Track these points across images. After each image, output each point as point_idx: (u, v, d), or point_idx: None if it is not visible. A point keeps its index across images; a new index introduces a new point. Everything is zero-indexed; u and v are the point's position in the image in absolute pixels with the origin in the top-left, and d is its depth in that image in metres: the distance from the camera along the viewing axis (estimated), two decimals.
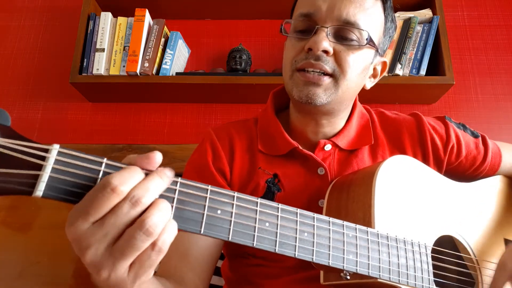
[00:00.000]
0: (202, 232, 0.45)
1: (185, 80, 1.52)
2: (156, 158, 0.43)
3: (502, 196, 0.87)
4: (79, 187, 0.40)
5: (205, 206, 0.45)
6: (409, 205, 0.69)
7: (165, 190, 0.43)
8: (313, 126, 0.82)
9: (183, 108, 1.68)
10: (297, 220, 0.52)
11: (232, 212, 0.47)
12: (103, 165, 0.41)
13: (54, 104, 1.68)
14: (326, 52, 0.72)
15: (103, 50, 1.56)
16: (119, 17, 1.60)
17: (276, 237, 0.50)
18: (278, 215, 0.51)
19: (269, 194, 0.79)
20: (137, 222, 0.40)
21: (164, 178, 0.42)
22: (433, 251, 0.69)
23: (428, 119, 0.87)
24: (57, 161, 0.39)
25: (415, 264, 0.63)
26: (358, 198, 0.68)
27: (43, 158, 0.39)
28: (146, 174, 0.42)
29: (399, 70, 1.51)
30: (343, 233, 0.57)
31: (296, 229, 0.52)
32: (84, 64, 1.56)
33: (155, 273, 0.62)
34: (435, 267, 0.67)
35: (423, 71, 1.51)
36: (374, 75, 0.83)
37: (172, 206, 0.43)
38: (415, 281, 0.62)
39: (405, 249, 0.63)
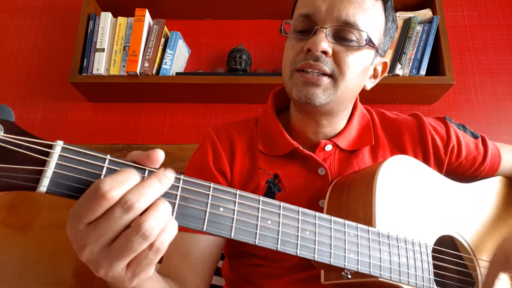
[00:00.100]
0: (204, 229, 0.45)
1: (185, 80, 1.52)
2: (158, 156, 0.43)
3: (502, 196, 0.87)
4: (82, 183, 0.40)
5: (207, 203, 0.45)
6: (409, 205, 0.69)
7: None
8: (314, 126, 0.82)
9: (183, 108, 1.68)
10: (298, 219, 0.52)
11: (234, 210, 0.47)
12: (107, 161, 0.41)
13: (54, 104, 1.68)
14: (325, 53, 0.72)
15: (103, 50, 1.56)
16: (119, 17, 1.60)
17: (278, 235, 0.50)
18: (280, 213, 0.51)
19: (269, 194, 0.79)
20: (134, 225, 0.39)
21: (164, 181, 0.42)
22: (434, 250, 0.69)
23: (429, 119, 0.88)
24: (61, 157, 0.39)
25: (415, 263, 0.63)
26: (359, 198, 0.68)
27: (47, 154, 0.39)
28: (149, 173, 0.42)
29: (399, 70, 1.51)
30: (345, 231, 0.57)
31: (298, 227, 0.52)
32: (84, 64, 1.56)
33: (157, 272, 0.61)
34: (435, 266, 0.68)
35: (423, 71, 1.51)
36: (374, 76, 0.83)
37: (174, 204, 0.43)
38: (416, 280, 0.62)
39: (406, 248, 0.63)
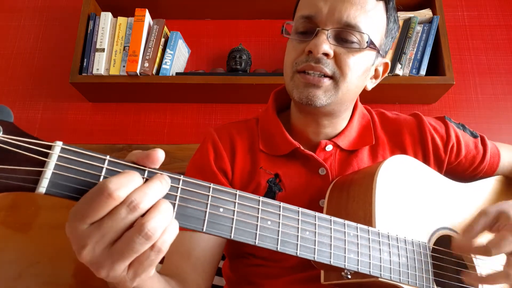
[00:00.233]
0: (204, 230, 0.45)
1: (185, 80, 1.52)
2: (158, 155, 0.43)
3: (501, 196, 0.87)
4: (81, 184, 0.40)
5: (207, 204, 0.45)
6: (409, 205, 0.69)
7: None
8: (314, 127, 0.82)
9: (183, 108, 1.68)
10: (298, 219, 0.52)
11: (234, 210, 0.47)
12: (106, 162, 0.41)
13: (54, 104, 1.68)
14: (326, 54, 0.72)
15: (103, 50, 1.56)
16: (119, 17, 1.60)
17: (278, 236, 0.50)
18: (280, 214, 0.51)
19: (270, 194, 0.79)
20: (136, 225, 0.39)
21: (164, 183, 0.42)
22: (434, 250, 0.69)
23: (428, 119, 0.88)
24: (60, 158, 0.39)
25: (415, 263, 0.63)
26: (359, 198, 0.68)
27: (46, 155, 0.39)
28: (149, 174, 0.42)
29: (399, 70, 1.51)
30: (345, 232, 0.57)
31: (298, 227, 0.52)
32: (84, 64, 1.56)
33: (157, 272, 0.62)
34: (435, 266, 0.68)
35: (423, 71, 1.51)
36: (375, 76, 0.83)
37: (174, 204, 0.43)
38: (416, 280, 0.62)
39: (406, 248, 0.63)
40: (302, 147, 0.80)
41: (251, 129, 0.88)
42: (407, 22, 1.56)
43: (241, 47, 1.64)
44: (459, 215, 0.77)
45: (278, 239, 0.49)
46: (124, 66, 1.53)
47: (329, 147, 0.82)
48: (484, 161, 0.87)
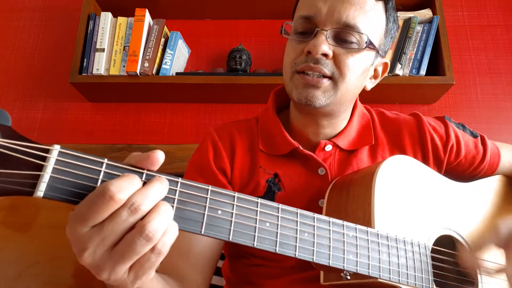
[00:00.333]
0: (202, 232, 0.45)
1: (185, 80, 1.52)
2: (158, 157, 0.43)
3: (501, 195, 0.87)
4: (79, 188, 0.40)
5: (205, 206, 0.45)
6: (408, 205, 0.70)
7: None
8: (314, 127, 0.82)
9: (183, 108, 1.68)
10: (297, 221, 0.52)
11: (232, 213, 0.47)
12: (104, 165, 0.41)
13: (54, 104, 1.68)
14: (325, 55, 0.72)
15: (103, 50, 1.56)
16: (119, 17, 1.60)
17: (277, 237, 0.50)
18: (278, 216, 0.51)
19: (269, 194, 0.79)
20: (137, 227, 0.40)
21: (164, 185, 0.42)
22: (433, 251, 0.69)
23: (428, 119, 0.88)
24: (57, 162, 0.39)
25: (415, 264, 0.63)
26: (358, 198, 0.68)
27: (44, 159, 0.39)
28: (147, 176, 0.42)
29: (399, 70, 1.51)
30: (343, 233, 0.57)
31: (297, 229, 0.52)
32: (84, 64, 1.56)
33: (156, 270, 0.62)
34: (435, 267, 0.68)
35: (423, 71, 1.51)
36: (375, 76, 0.83)
37: (172, 207, 0.43)
38: (415, 281, 0.62)
39: (405, 249, 0.63)
40: (301, 147, 0.80)
41: (250, 129, 0.88)
42: (407, 22, 1.56)
43: (241, 47, 1.64)
44: (459, 215, 0.77)
45: (276, 241, 0.49)
46: (124, 66, 1.53)
47: (329, 147, 0.82)
48: (484, 161, 0.86)
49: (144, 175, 0.43)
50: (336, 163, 0.81)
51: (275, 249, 0.49)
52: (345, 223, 0.57)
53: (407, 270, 0.62)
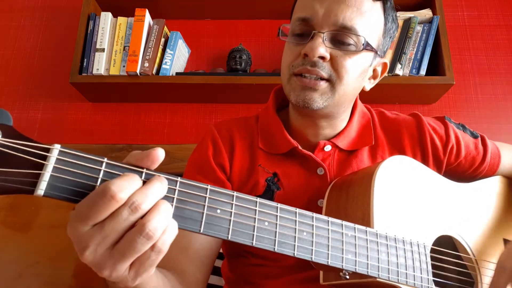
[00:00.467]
0: (201, 231, 0.45)
1: (185, 80, 1.52)
2: (158, 154, 0.43)
3: (501, 196, 0.87)
4: (79, 187, 0.40)
5: (204, 205, 0.46)
6: (408, 205, 0.70)
7: None
8: (313, 128, 0.82)
9: (183, 108, 1.68)
10: (296, 220, 0.52)
11: (231, 212, 0.47)
12: (104, 164, 0.42)
13: (54, 104, 1.68)
14: (322, 58, 0.71)
15: (103, 50, 1.56)
16: (119, 17, 1.60)
17: (275, 237, 0.50)
18: (277, 215, 0.51)
19: (268, 193, 0.79)
20: (138, 226, 0.40)
21: (164, 184, 0.43)
22: (432, 251, 0.69)
23: (428, 119, 0.87)
24: (58, 161, 0.40)
25: (414, 263, 0.63)
26: (358, 198, 0.68)
27: (45, 158, 0.39)
28: (146, 175, 0.42)
29: (399, 70, 1.51)
30: (342, 233, 0.57)
31: (295, 228, 0.52)
32: (84, 64, 1.56)
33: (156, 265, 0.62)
34: (434, 267, 0.68)
35: (423, 71, 1.51)
36: (374, 77, 0.83)
37: (172, 206, 0.44)
38: (414, 280, 0.62)
39: (404, 249, 0.63)
40: (300, 147, 0.80)
41: (250, 127, 0.88)
42: (407, 22, 1.56)
43: (241, 47, 1.64)
44: (458, 215, 0.77)
45: (275, 240, 0.50)
46: (124, 66, 1.53)
47: (328, 148, 0.82)
48: (485, 162, 0.86)
49: (144, 174, 0.43)
50: (335, 163, 0.81)
51: (274, 248, 0.49)
52: (344, 222, 0.57)
53: (406, 269, 0.62)
